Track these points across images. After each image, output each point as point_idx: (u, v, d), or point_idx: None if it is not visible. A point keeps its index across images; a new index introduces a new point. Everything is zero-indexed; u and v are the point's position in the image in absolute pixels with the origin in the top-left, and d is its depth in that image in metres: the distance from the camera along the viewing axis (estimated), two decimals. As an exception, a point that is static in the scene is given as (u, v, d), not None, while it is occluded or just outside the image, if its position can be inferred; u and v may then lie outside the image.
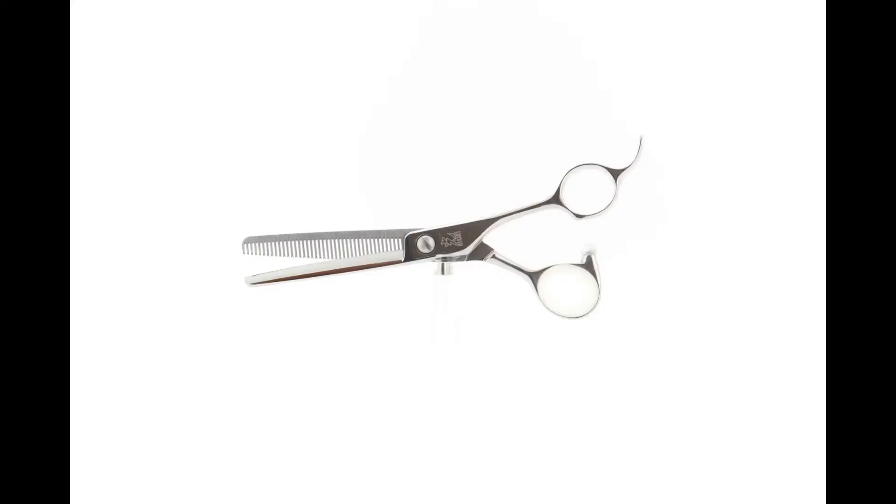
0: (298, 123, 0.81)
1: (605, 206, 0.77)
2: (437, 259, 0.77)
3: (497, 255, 0.77)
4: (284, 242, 0.77)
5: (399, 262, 0.77)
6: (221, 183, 0.80)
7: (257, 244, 0.77)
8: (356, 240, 0.77)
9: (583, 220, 0.77)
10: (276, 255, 0.77)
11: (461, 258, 0.77)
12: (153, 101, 0.80)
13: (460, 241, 0.77)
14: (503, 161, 0.80)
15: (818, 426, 0.78)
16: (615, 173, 0.77)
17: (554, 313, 0.77)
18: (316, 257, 0.77)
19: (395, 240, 0.77)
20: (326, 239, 0.77)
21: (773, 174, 0.80)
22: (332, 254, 0.77)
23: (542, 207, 0.77)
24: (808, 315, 0.79)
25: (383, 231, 0.77)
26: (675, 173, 0.80)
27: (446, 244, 0.77)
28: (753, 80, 0.80)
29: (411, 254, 0.77)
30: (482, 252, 0.77)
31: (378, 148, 0.80)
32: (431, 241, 0.77)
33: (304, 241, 0.77)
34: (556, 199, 0.77)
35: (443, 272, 0.77)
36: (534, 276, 0.77)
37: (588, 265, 0.77)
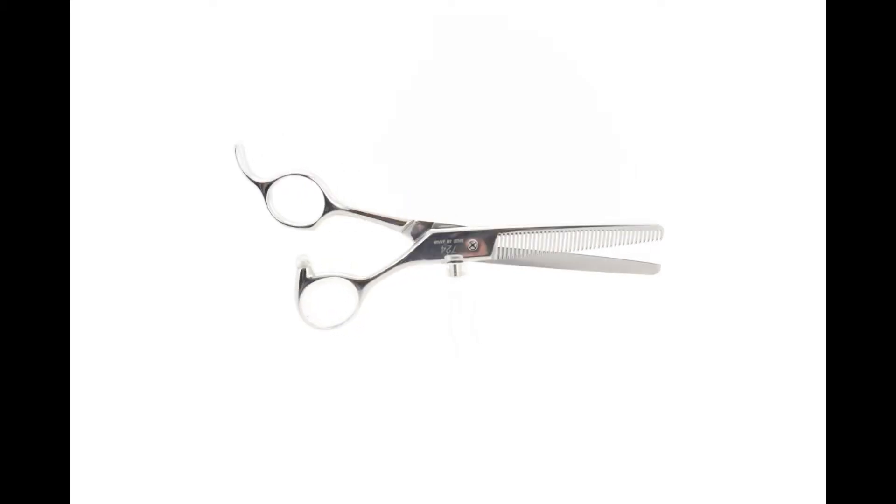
0: (306, 119, 0.81)
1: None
2: (449, 261, 0.77)
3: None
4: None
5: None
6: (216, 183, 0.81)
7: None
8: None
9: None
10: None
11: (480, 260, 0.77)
12: (153, 103, 0.80)
13: (484, 245, 0.76)
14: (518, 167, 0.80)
15: (818, 426, 0.78)
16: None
17: None
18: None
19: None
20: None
21: (772, 177, 0.80)
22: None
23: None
24: (808, 316, 0.79)
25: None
26: (674, 174, 0.80)
27: (471, 248, 0.77)
28: (752, 82, 0.80)
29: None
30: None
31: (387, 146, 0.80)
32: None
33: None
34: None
35: (455, 274, 0.77)
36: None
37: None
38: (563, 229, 0.75)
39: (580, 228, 0.75)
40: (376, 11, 0.80)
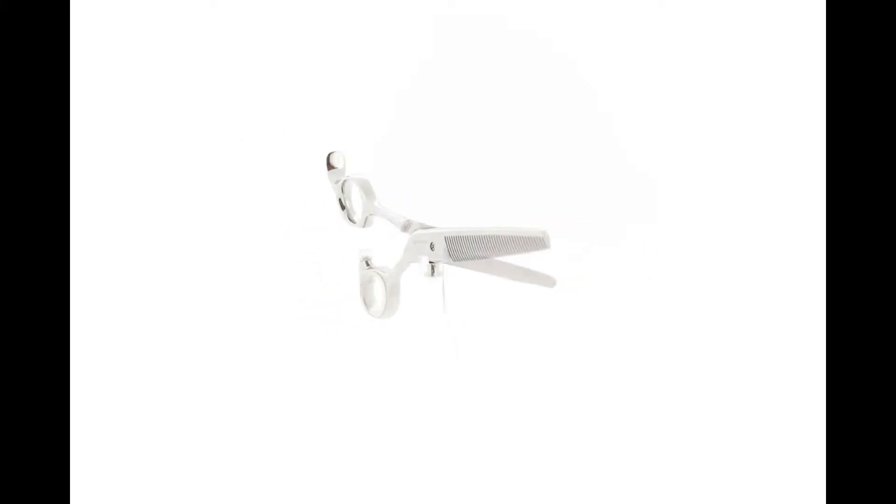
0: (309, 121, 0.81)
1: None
2: (426, 261, 0.76)
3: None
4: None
5: None
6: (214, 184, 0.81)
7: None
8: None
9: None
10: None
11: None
12: (151, 105, 0.81)
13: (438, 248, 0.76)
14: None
15: (818, 426, 0.78)
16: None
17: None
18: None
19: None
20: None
21: (772, 177, 0.80)
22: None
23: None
24: (807, 316, 0.79)
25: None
26: (672, 174, 0.80)
27: (432, 249, 0.76)
28: (752, 82, 0.80)
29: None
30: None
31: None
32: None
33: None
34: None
35: (432, 274, 0.76)
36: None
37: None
38: (462, 238, 0.72)
39: (476, 236, 0.71)
40: (376, 11, 0.80)
